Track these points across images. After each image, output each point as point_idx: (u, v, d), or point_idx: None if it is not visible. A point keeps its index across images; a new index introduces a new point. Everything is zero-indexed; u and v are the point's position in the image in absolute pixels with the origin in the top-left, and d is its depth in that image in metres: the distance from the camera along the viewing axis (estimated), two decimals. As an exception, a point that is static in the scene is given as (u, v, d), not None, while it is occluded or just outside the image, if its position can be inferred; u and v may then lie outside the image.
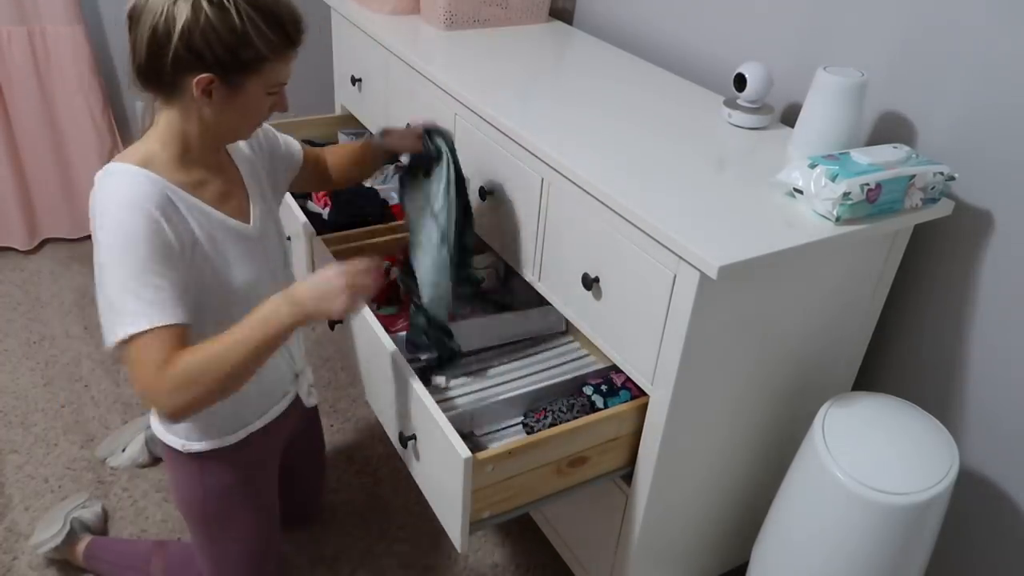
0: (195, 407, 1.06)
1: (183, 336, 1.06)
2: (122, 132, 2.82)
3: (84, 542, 1.68)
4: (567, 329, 1.70)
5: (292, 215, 1.76)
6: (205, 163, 1.19)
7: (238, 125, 1.19)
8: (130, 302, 1.04)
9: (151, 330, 1.03)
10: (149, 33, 1.05)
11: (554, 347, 1.66)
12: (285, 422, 1.43)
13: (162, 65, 1.06)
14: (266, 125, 1.41)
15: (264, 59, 1.09)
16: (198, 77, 1.07)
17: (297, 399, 1.45)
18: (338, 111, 2.40)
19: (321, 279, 1.11)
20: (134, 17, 1.08)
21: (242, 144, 1.32)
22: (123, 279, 1.04)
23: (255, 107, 1.15)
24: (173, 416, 1.06)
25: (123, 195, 1.07)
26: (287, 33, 1.11)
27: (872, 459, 1.20)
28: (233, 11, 1.04)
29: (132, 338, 1.03)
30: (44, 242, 2.84)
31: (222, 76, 1.08)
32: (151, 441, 1.96)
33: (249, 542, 1.43)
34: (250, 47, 1.07)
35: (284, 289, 1.12)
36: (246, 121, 1.19)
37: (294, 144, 1.48)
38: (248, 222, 1.25)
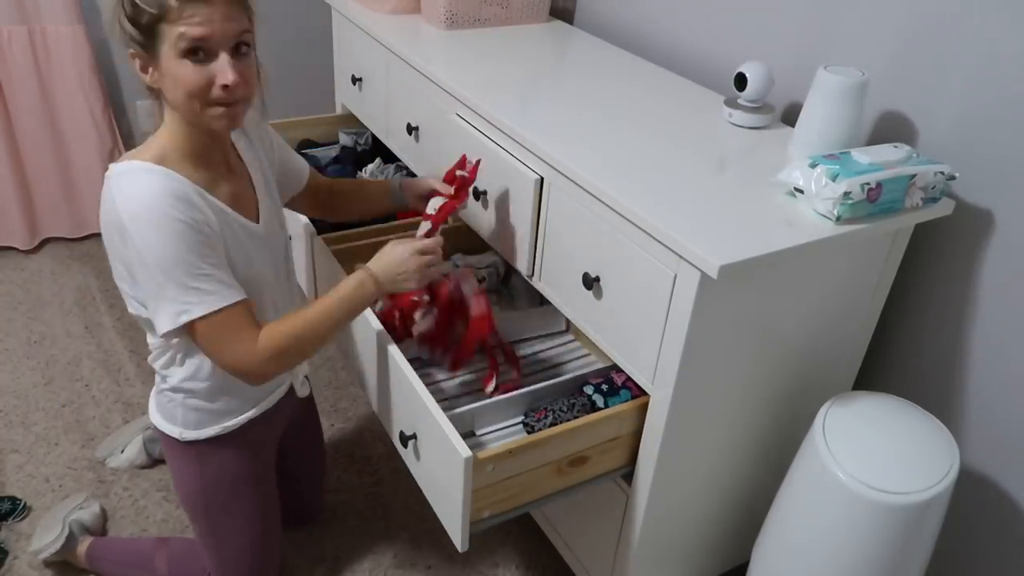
0: (283, 371, 1.22)
1: (253, 309, 1.16)
2: (122, 131, 2.82)
3: (85, 544, 1.68)
4: (567, 328, 1.70)
5: (293, 215, 1.76)
6: (215, 163, 1.21)
7: (180, 100, 1.11)
8: (197, 286, 1.09)
9: (223, 309, 1.11)
10: (108, 24, 1.10)
11: (554, 346, 1.66)
12: (280, 411, 1.45)
13: (127, 53, 1.11)
14: (280, 139, 1.44)
15: (156, 19, 1.05)
16: (129, 52, 1.10)
17: (291, 389, 1.47)
18: (338, 110, 2.40)
19: (398, 259, 1.25)
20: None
21: (251, 144, 1.33)
22: (182, 270, 1.08)
23: (180, 76, 1.08)
24: (262, 379, 1.19)
25: (149, 192, 1.08)
26: None
27: (872, 459, 1.20)
28: None
29: (206, 319, 1.11)
30: (45, 241, 2.84)
31: (139, 51, 1.09)
32: (150, 442, 1.96)
33: (250, 531, 1.44)
34: (140, 12, 1.06)
35: (363, 266, 1.25)
36: (182, 94, 1.10)
37: (304, 167, 1.51)
38: (257, 221, 1.28)
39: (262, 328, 1.17)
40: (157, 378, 1.34)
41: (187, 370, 1.27)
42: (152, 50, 1.08)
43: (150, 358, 1.31)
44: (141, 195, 1.08)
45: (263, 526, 1.47)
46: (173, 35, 1.06)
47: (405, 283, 1.27)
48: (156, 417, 1.36)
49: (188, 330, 1.14)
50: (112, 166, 1.12)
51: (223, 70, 1.08)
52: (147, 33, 1.07)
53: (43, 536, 1.68)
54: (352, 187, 1.66)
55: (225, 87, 1.09)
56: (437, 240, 1.32)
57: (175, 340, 1.23)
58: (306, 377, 1.53)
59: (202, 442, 1.33)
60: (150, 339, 1.29)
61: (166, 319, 1.11)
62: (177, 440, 1.33)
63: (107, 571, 1.67)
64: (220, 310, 1.11)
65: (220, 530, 1.43)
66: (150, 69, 1.11)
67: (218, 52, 1.08)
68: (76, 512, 1.75)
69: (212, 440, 1.34)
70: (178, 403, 1.31)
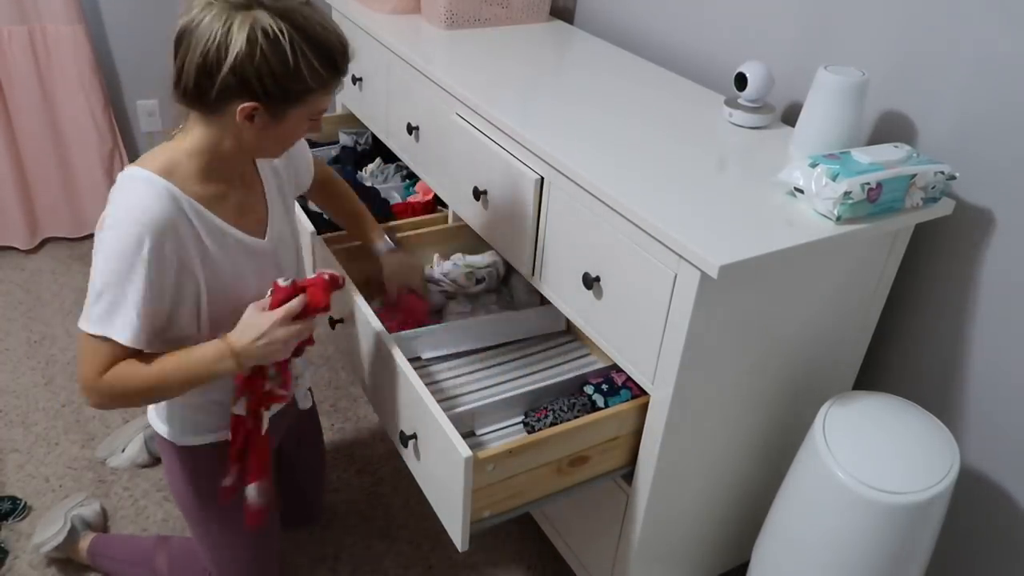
0: (116, 408, 1.19)
1: (129, 355, 1.12)
2: (122, 131, 2.82)
3: (87, 540, 1.69)
4: (568, 328, 1.70)
5: (300, 223, 1.77)
6: (228, 175, 1.20)
7: (273, 147, 1.19)
8: (103, 305, 1.08)
9: (100, 337, 1.09)
10: (200, 59, 1.04)
11: (555, 346, 1.66)
12: (280, 422, 1.43)
13: (209, 90, 1.06)
14: (303, 143, 1.44)
15: (311, 91, 1.09)
16: (243, 104, 1.07)
17: (292, 400, 1.45)
18: (339, 110, 2.40)
19: (264, 332, 1.14)
20: (183, 39, 1.07)
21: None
22: (105, 283, 1.08)
23: (294, 133, 1.16)
24: (97, 407, 1.16)
25: (137, 208, 1.08)
26: (337, 67, 1.11)
27: (873, 458, 1.20)
28: (287, 46, 1.04)
29: (89, 335, 1.10)
30: (45, 241, 2.84)
31: (267, 105, 1.08)
32: (150, 441, 1.96)
33: (245, 538, 1.43)
34: (299, 81, 1.07)
35: (228, 338, 1.14)
36: (282, 145, 1.19)
37: (311, 165, 1.50)
38: (263, 236, 1.26)
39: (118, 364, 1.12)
40: None
41: None
42: (280, 111, 1.10)
43: None
44: (127, 207, 1.08)
45: (258, 534, 1.46)
46: (316, 104, 1.12)
47: (272, 356, 1.17)
48: (152, 416, 1.36)
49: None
50: (122, 172, 1.13)
51: (319, 124, 1.18)
52: (289, 97, 1.08)
53: (45, 530, 1.69)
54: (342, 210, 1.64)
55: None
56: (307, 327, 1.19)
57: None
58: (309, 389, 1.52)
59: (197, 447, 1.33)
60: None
61: (83, 315, 1.12)
62: (171, 443, 1.33)
63: (108, 568, 1.67)
64: (96, 336, 1.09)
65: (215, 535, 1.43)
66: (256, 118, 1.09)
67: None
68: (78, 508, 1.75)
69: (206, 447, 1.33)
70: (176, 407, 1.31)
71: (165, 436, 1.33)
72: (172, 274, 1.11)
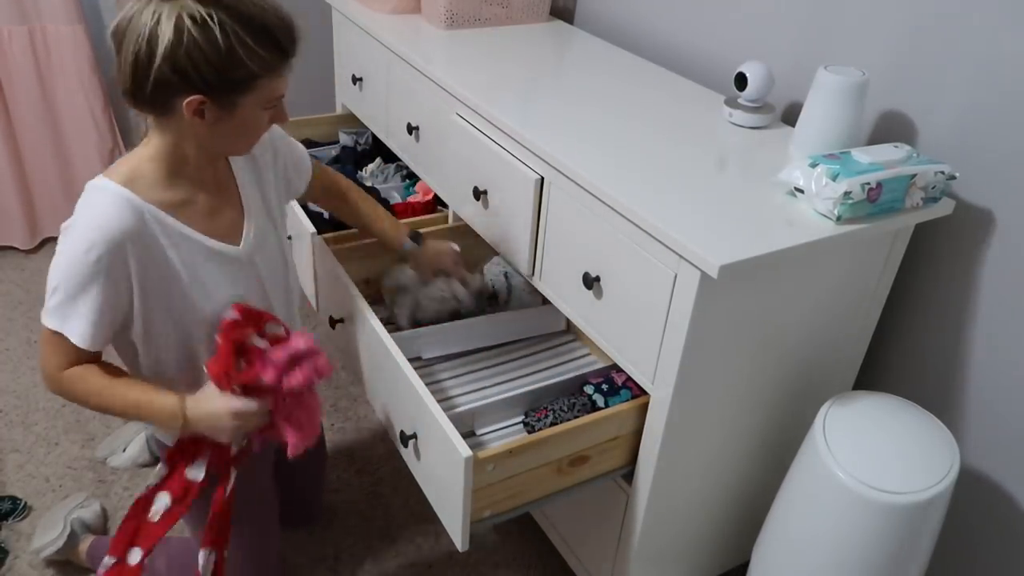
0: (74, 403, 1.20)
1: (87, 357, 1.14)
2: (122, 131, 2.82)
3: (87, 542, 1.69)
4: (568, 328, 1.70)
5: (294, 215, 1.76)
6: (197, 179, 1.16)
7: (234, 143, 1.15)
8: (56, 302, 1.09)
9: (59, 335, 1.10)
10: (132, 56, 1.01)
11: (555, 346, 1.66)
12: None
13: (147, 87, 1.02)
14: (292, 140, 1.40)
15: (256, 77, 1.04)
16: (188, 99, 1.03)
17: None
18: (339, 110, 2.40)
19: (218, 417, 1.14)
20: (117, 37, 1.03)
21: (251, 161, 1.28)
22: (58, 285, 1.08)
23: (251, 124, 1.12)
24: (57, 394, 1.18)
25: (95, 218, 1.06)
26: (279, 46, 1.05)
27: (873, 458, 1.20)
28: (217, 29, 0.99)
29: (50, 330, 1.11)
30: (45, 241, 2.84)
31: (213, 97, 1.04)
32: (151, 440, 1.96)
33: (241, 536, 1.43)
34: (239, 66, 1.02)
35: (185, 401, 1.15)
36: (243, 139, 1.15)
37: (307, 167, 1.45)
38: (238, 242, 1.22)
39: (80, 365, 1.14)
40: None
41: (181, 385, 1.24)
42: (228, 102, 1.06)
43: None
44: (86, 217, 1.07)
45: (259, 532, 1.45)
46: (266, 89, 1.07)
47: (217, 435, 1.18)
48: None
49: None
50: (89, 181, 1.11)
51: (282, 112, 1.14)
52: (234, 85, 1.04)
53: (44, 535, 1.68)
54: (357, 212, 1.58)
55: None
56: (260, 409, 1.17)
57: (142, 356, 1.21)
58: None
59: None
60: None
61: (44, 308, 1.13)
62: (163, 441, 1.33)
63: (107, 570, 1.67)
64: (56, 332, 1.10)
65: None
66: (205, 112, 1.06)
67: None
68: (77, 511, 1.75)
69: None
70: None
71: (164, 441, 1.33)
72: (128, 283, 1.09)
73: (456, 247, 1.63)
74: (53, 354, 1.13)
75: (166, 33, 0.98)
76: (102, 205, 1.07)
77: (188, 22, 0.98)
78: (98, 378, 1.15)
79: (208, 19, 0.99)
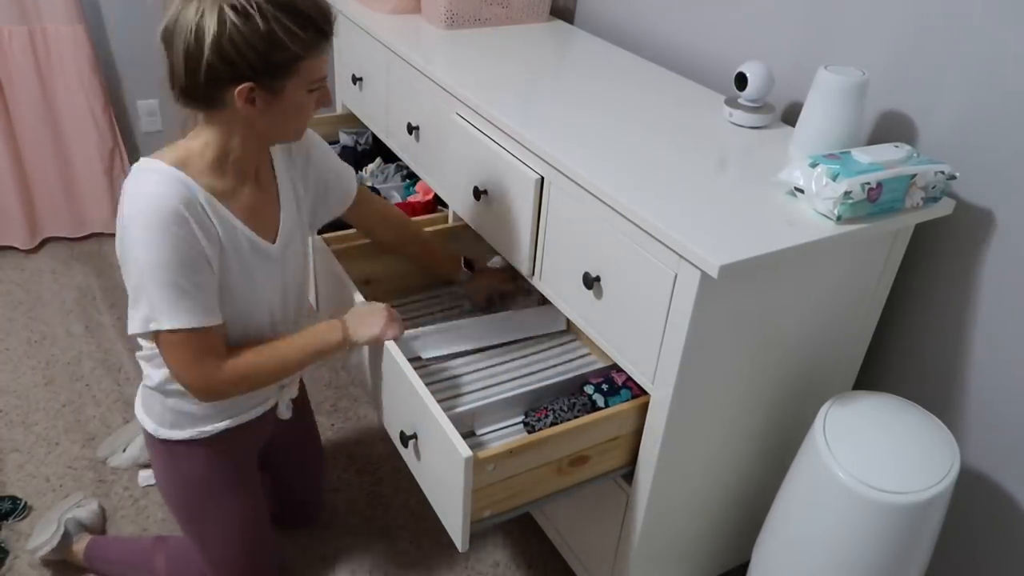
0: (239, 394, 1.25)
1: (224, 335, 1.17)
2: (122, 131, 2.82)
3: (83, 542, 1.68)
4: (568, 328, 1.70)
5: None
6: (242, 172, 1.20)
7: (285, 127, 1.19)
8: (172, 299, 1.09)
9: (192, 330, 1.11)
10: (183, 52, 1.06)
11: (555, 346, 1.66)
12: (262, 425, 1.44)
13: (200, 81, 1.07)
14: (325, 149, 1.42)
15: (299, 58, 1.09)
16: (239, 88, 1.07)
17: (274, 407, 1.45)
18: (339, 110, 2.40)
19: (371, 311, 1.31)
20: (167, 39, 1.08)
21: (290, 159, 1.32)
22: (163, 277, 1.09)
23: (299, 107, 1.16)
24: (210, 400, 1.22)
25: (155, 196, 1.09)
26: (318, 27, 1.10)
27: (873, 458, 1.20)
28: (257, 16, 1.04)
29: (173, 333, 1.11)
30: (45, 241, 2.84)
31: (261, 82, 1.08)
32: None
33: (230, 532, 1.44)
34: (282, 49, 1.07)
35: (337, 317, 1.29)
36: (293, 123, 1.19)
37: (350, 187, 1.47)
38: (273, 240, 1.26)
39: (227, 353, 1.18)
40: (143, 374, 1.34)
41: (167, 372, 1.26)
42: (276, 86, 1.10)
43: (139, 354, 1.32)
44: (145, 196, 1.09)
45: (244, 530, 1.46)
46: (309, 71, 1.11)
47: (372, 328, 1.30)
48: (138, 409, 1.37)
49: (153, 337, 1.16)
50: (135, 164, 1.14)
51: (326, 94, 1.18)
52: (279, 69, 1.09)
53: (39, 535, 1.68)
54: (416, 244, 1.63)
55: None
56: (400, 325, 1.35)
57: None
58: (292, 400, 1.51)
59: (177, 442, 1.33)
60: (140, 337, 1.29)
61: (137, 321, 1.13)
62: (154, 436, 1.34)
63: (105, 570, 1.67)
64: (187, 329, 1.11)
65: (203, 533, 1.44)
66: (256, 99, 1.10)
67: None
68: (73, 510, 1.74)
69: (188, 442, 1.33)
70: (157, 400, 1.31)
71: (148, 430, 1.34)
72: (202, 249, 1.12)
73: (504, 264, 1.66)
74: (194, 357, 1.14)
75: (211, 25, 1.04)
76: (157, 184, 1.10)
77: (230, 12, 1.04)
78: (250, 354, 1.19)
79: (248, 7, 1.04)
